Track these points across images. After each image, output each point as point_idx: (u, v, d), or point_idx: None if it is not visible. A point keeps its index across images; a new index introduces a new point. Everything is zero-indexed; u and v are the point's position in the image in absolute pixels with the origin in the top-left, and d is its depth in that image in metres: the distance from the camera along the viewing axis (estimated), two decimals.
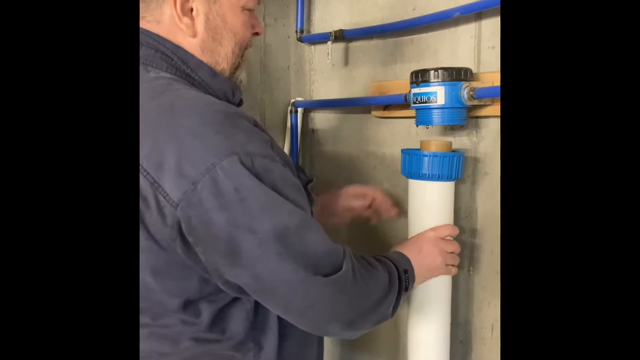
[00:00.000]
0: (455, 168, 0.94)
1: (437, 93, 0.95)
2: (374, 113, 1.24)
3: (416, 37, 1.15)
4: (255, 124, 0.71)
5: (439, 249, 0.90)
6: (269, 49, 1.44)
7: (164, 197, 0.63)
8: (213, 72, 0.77)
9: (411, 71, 0.99)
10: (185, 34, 0.75)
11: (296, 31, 1.41)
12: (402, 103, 1.09)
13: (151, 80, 0.72)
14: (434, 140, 0.97)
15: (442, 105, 0.95)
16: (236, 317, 0.73)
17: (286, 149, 1.46)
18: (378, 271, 0.78)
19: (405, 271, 0.83)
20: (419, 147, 0.99)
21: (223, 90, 0.78)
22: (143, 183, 0.64)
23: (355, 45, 1.31)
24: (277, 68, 1.46)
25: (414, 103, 0.99)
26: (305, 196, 0.73)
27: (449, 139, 1.09)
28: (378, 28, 1.20)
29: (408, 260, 0.85)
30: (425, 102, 0.96)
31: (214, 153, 0.63)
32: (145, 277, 0.69)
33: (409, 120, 1.15)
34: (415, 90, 0.98)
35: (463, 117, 0.97)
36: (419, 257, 0.88)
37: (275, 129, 1.48)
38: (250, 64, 1.43)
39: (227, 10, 0.76)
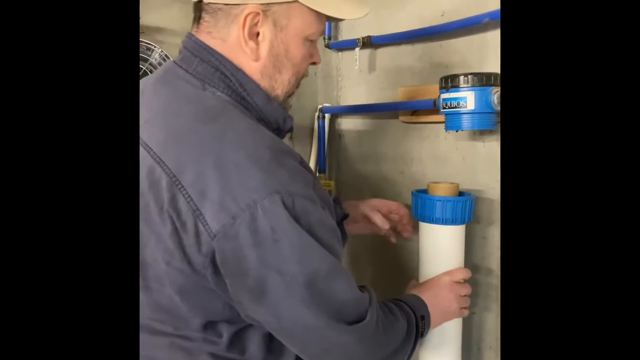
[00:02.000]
0: (468, 212, 0.97)
1: (467, 98, 0.95)
2: (401, 118, 1.25)
3: (445, 43, 1.15)
4: (301, 162, 0.71)
5: (455, 294, 0.92)
6: None
7: (203, 226, 0.64)
8: (268, 98, 0.77)
9: (440, 76, 1.00)
10: (248, 57, 0.75)
11: (324, 38, 1.42)
12: (431, 108, 1.09)
13: (206, 100, 0.73)
14: (442, 184, 0.99)
15: (472, 110, 0.95)
16: (253, 339, 0.74)
17: (313, 154, 1.47)
18: (399, 321, 0.79)
19: (422, 317, 0.85)
20: (433, 180, 1.00)
21: (275, 117, 0.79)
22: (184, 207, 0.65)
23: (382, 51, 1.31)
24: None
25: (444, 108, 0.99)
26: (340, 237, 0.74)
27: (478, 143, 1.09)
28: (406, 34, 1.21)
29: (425, 306, 0.87)
30: (455, 107, 0.97)
31: (256, 190, 0.64)
32: (172, 294, 0.70)
33: (437, 125, 1.16)
34: (445, 95, 0.98)
35: (493, 122, 0.97)
36: (436, 302, 0.89)
37: (302, 134, 1.49)
38: None
39: (291, 40, 0.77)
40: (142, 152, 0.70)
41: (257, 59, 0.76)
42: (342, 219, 0.84)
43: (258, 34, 0.75)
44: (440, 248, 0.97)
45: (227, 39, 0.75)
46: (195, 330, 0.72)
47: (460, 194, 1.00)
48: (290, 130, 0.84)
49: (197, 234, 0.64)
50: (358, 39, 1.30)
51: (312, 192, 0.69)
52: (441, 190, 0.97)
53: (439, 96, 1.01)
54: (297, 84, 0.82)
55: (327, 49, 1.44)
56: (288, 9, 0.75)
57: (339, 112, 1.45)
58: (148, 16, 1.23)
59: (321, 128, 1.44)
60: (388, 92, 1.31)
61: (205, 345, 0.73)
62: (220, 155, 0.65)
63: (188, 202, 0.65)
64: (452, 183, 1.00)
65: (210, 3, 0.75)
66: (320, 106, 1.46)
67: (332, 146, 1.48)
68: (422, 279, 0.99)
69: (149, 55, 1.17)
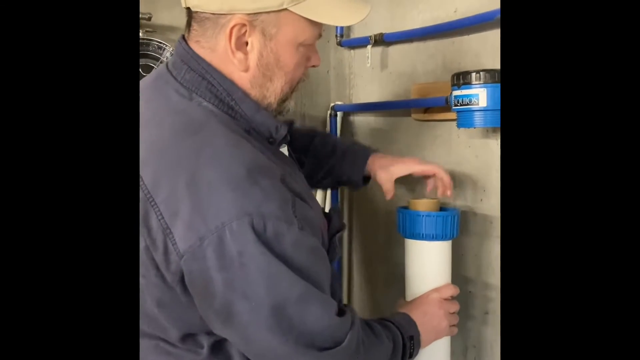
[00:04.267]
0: (454, 227, 0.96)
1: (479, 95, 0.94)
2: (414, 116, 1.24)
3: (457, 40, 1.14)
4: (283, 179, 0.69)
5: (444, 312, 0.91)
6: None
7: (172, 245, 0.64)
8: (257, 107, 0.75)
9: (452, 73, 0.99)
10: (237, 67, 0.74)
11: (336, 35, 1.41)
12: (443, 105, 1.08)
13: (191, 112, 0.71)
14: (423, 200, 0.98)
15: (484, 107, 0.94)
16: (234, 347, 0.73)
17: None
18: (383, 343, 0.78)
19: (411, 337, 0.83)
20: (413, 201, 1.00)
21: (266, 126, 0.76)
22: (155, 224, 0.65)
23: (395, 48, 1.31)
24: (316, 72, 1.47)
25: (455, 105, 0.98)
26: (325, 255, 0.72)
27: (491, 141, 1.07)
28: (418, 31, 1.20)
29: (414, 325, 0.85)
30: (467, 105, 0.96)
31: (226, 211, 0.63)
32: (152, 307, 0.70)
33: (449, 123, 1.14)
34: (457, 92, 0.97)
35: None
36: (425, 320, 0.87)
37: None
38: None
39: (282, 48, 0.74)
40: None
41: (246, 70, 0.74)
42: (335, 231, 0.82)
43: (247, 43, 0.73)
44: (427, 265, 0.96)
45: (215, 48, 0.74)
46: (175, 340, 0.72)
47: (443, 209, 0.99)
48: (285, 139, 0.81)
49: (166, 252, 0.64)
50: (370, 37, 1.29)
51: (290, 213, 0.67)
52: (423, 207, 0.97)
53: (451, 93, 1.00)
54: (293, 89, 0.80)
55: (339, 47, 1.43)
56: (277, 17, 0.72)
57: (351, 110, 1.45)
58: (160, 15, 1.23)
59: (333, 126, 1.44)
60: (400, 90, 1.30)
61: (189, 354, 0.72)
62: (195, 173, 0.64)
63: (159, 219, 0.64)
64: (433, 199, 0.99)
65: (198, 12, 0.73)
66: (332, 104, 1.45)
67: None
68: (409, 297, 0.97)
69: (161, 54, 1.18)
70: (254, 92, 0.76)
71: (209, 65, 0.74)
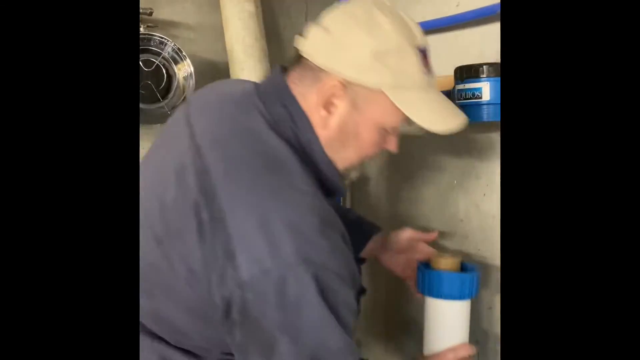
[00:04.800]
0: (475, 287, 0.95)
1: (483, 89, 0.94)
2: None
3: (460, 33, 1.13)
4: (344, 236, 0.72)
5: None
6: None
7: (233, 270, 0.64)
8: (329, 162, 0.77)
9: (456, 67, 0.98)
10: (319, 122, 0.76)
11: None
12: None
13: (273, 145, 0.72)
14: (446, 258, 0.97)
15: (488, 101, 0.94)
16: None
17: None
18: None
19: None
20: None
21: (332, 182, 0.78)
22: (221, 244, 0.65)
23: None
24: None
25: (459, 99, 0.98)
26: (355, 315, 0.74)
27: (494, 135, 1.07)
28: (421, 25, 1.19)
29: None
30: (471, 98, 0.95)
31: (294, 255, 0.64)
32: (180, 313, 0.72)
33: None
34: (460, 86, 0.97)
35: None
36: None
37: None
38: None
39: (365, 124, 0.76)
40: (198, 162, 0.70)
41: (325, 128, 0.76)
42: (362, 291, 0.84)
43: (335, 104, 0.75)
44: (446, 323, 0.96)
45: (307, 96, 0.76)
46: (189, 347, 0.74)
47: (463, 266, 0.99)
48: (339, 194, 0.82)
49: (223, 275, 0.65)
50: None
51: (346, 272, 0.69)
52: (445, 264, 0.96)
53: (454, 87, 0.99)
54: (360, 164, 0.81)
55: None
56: (371, 94, 0.74)
57: None
58: (162, 10, 1.23)
59: None
60: None
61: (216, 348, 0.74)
62: (272, 211, 0.66)
63: (227, 240, 0.65)
64: (456, 256, 0.99)
65: (305, 58, 0.76)
66: None
67: None
68: (426, 351, 0.98)
69: (162, 49, 1.17)
70: (327, 151, 0.77)
71: (300, 108, 0.75)
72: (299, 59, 0.78)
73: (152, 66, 1.17)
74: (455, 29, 1.14)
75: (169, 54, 1.18)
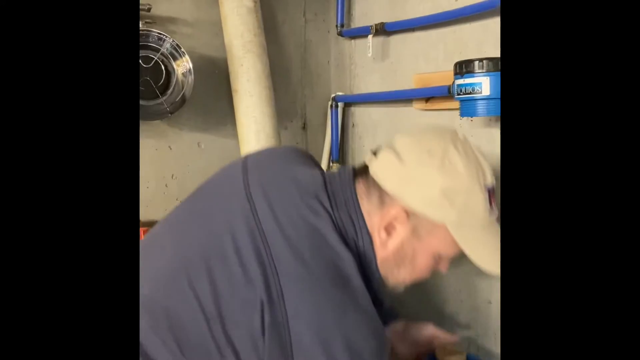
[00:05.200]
0: None
1: (482, 84, 0.94)
2: (415, 106, 1.24)
3: (459, 28, 1.13)
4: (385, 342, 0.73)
5: None
6: (309, 44, 1.45)
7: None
8: (379, 277, 0.78)
9: (455, 62, 0.98)
10: (377, 242, 0.76)
11: (336, 25, 1.41)
12: (446, 95, 1.08)
13: (339, 253, 0.73)
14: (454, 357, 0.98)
15: (488, 96, 0.94)
16: None
17: (326, 144, 1.47)
18: None
19: None
20: None
21: (377, 293, 0.78)
22: (280, 339, 0.67)
23: (396, 38, 1.30)
24: (317, 63, 1.47)
25: (458, 94, 0.98)
26: None
27: (494, 130, 1.07)
28: (420, 20, 1.19)
29: None
30: (470, 93, 0.95)
31: None
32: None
33: (451, 112, 1.14)
34: (460, 81, 0.97)
35: None
36: None
37: (316, 123, 1.48)
38: (291, 60, 1.44)
39: (423, 251, 0.77)
40: (262, 249, 0.71)
41: (384, 248, 0.76)
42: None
43: (395, 228, 0.76)
44: None
45: (372, 216, 0.76)
46: None
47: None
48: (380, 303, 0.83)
49: (284, 346, 0.67)
50: (371, 26, 1.29)
51: None
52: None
53: (454, 82, 0.99)
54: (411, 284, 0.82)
55: (339, 37, 1.43)
56: (433, 226, 0.75)
57: (352, 100, 1.44)
58: (160, 6, 1.22)
59: (334, 117, 1.43)
60: (401, 80, 1.29)
61: None
62: (334, 329, 0.68)
63: (284, 346, 0.67)
64: (461, 353, 0.99)
65: (374, 179, 0.76)
66: (333, 95, 1.45)
67: (345, 136, 1.47)
68: None
69: (161, 45, 1.17)
70: (380, 269, 0.78)
71: (365, 226, 0.76)
72: (367, 171, 0.78)
73: (150, 62, 1.16)
74: (454, 23, 1.14)
75: (167, 50, 1.17)
